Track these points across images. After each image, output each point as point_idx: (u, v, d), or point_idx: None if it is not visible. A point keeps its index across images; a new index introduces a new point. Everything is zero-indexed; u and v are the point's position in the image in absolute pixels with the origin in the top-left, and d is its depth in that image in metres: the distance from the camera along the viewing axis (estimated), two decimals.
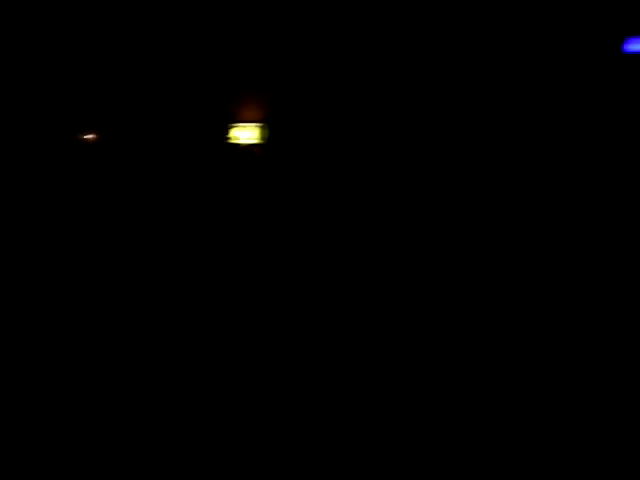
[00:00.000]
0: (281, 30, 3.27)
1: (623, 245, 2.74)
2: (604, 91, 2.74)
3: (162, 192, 3.43)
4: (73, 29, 3.32)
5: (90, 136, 3.44)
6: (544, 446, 1.93)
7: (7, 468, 1.77)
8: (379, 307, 2.88)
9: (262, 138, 3.37)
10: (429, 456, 1.89)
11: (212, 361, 2.52)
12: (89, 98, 3.44)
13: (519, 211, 2.92)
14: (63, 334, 2.72)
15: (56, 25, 3.30)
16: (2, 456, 1.83)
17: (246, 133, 3.36)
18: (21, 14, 3.26)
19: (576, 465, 1.84)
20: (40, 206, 3.39)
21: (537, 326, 2.67)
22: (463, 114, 3.01)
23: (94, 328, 2.77)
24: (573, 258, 2.81)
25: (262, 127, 3.37)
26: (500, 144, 2.94)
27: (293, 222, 3.26)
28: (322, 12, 3.18)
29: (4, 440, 1.91)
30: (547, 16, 2.82)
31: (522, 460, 1.86)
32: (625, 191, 2.74)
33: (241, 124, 3.37)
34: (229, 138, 3.39)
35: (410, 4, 3.03)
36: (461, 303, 2.84)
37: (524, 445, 1.93)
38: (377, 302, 2.91)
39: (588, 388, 2.27)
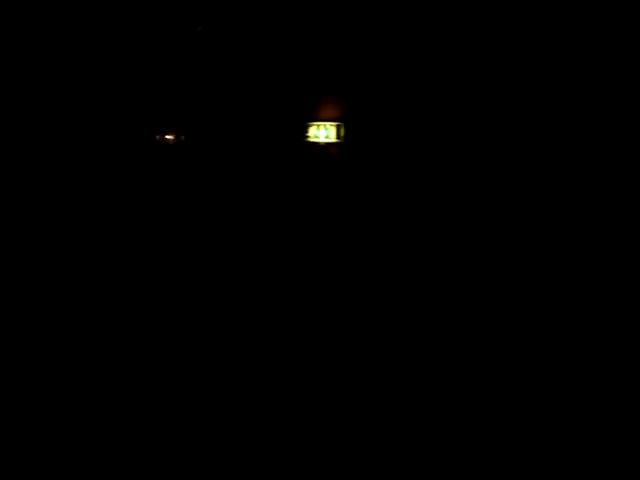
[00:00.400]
0: (359, 32, 3.29)
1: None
2: None
3: (241, 188, 3.69)
4: (158, 30, 3.28)
5: (173, 136, 3.59)
6: (543, 445, 1.94)
7: (7, 468, 1.73)
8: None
9: (339, 137, 3.55)
10: (428, 455, 1.89)
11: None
12: (175, 99, 3.51)
13: None
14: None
15: (140, 26, 3.26)
16: (2, 456, 1.78)
17: (324, 131, 3.54)
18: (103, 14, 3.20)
19: (575, 464, 1.84)
20: (127, 202, 3.64)
21: (536, 325, 2.78)
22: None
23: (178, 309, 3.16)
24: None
25: (339, 126, 3.53)
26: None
27: (366, 218, 3.59)
28: (398, 17, 3.19)
29: (4, 440, 1.87)
30: None
31: (521, 459, 1.86)
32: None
33: (319, 122, 3.53)
34: (307, 136, 3.57)
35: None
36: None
37: (523, 444, 1.94)
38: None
39: (587, 388, 2.30)
